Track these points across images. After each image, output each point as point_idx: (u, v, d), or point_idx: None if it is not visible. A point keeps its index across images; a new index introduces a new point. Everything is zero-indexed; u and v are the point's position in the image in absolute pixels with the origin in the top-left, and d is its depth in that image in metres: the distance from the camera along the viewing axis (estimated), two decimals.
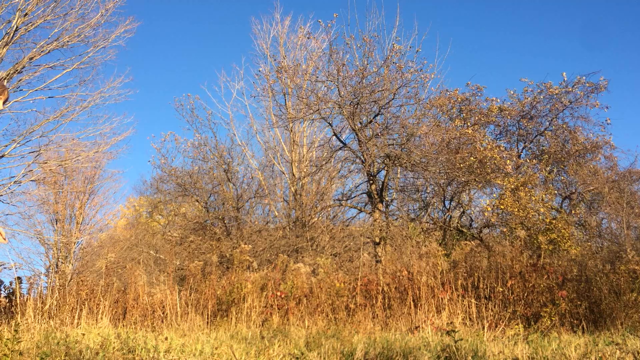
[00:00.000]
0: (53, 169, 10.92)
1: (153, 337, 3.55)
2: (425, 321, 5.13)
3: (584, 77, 11.13)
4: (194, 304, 5.97)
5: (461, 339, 3.15)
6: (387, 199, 11.56)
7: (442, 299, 5.52)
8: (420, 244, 7.21)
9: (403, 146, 10.11)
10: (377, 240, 9.71)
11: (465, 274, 5.78)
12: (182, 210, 13.23)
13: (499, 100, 11.80)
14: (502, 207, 9.40)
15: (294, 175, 13.61)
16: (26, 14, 9.61)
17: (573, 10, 33.50)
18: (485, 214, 10.31)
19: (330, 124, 10.89)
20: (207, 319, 5.72)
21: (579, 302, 5.24)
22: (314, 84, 10.88)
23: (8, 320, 5.29)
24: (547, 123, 11.78)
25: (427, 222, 10.96)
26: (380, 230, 9.70)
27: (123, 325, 5.70)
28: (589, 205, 11.55)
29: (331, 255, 10.02)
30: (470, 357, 2.94)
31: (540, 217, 9.42)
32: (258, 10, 34.68)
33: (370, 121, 10.45)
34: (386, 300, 5.83)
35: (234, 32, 34.99)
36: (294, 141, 14.03)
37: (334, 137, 11.15)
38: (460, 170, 9.70)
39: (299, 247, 10.73)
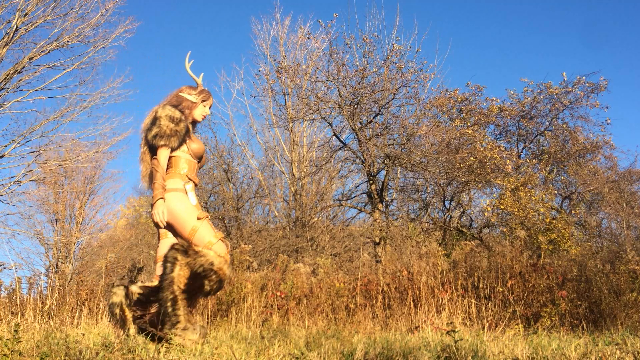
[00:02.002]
0: (53, 169, 10.93)
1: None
2: (425, 321, 5.13)
3: (584, 77, 11.13)
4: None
5: (461, 339, 3.14)
6: (387, 199, 11.56)
7: (442, 299, 5.52)
8: (420, 244, 7.19)
9: (403, 146, 10.12)
10: (377, 240, 9.71)
11: (465, 274, 5.77)
12: None
13: (499, 100, 11.80)
14: (502, 207, 9.40)
15: (294, 175, 13.61)
16: (26, 14, 9.62)
17: (573, 10, 33.48)
18: (485, 214, 10.31)
19: (330, 124, 10.90)
20: (207, 319, 5.71)
21: (579, 302, 5.24)
22: (314, 84, 10.89)
23: (8, 321, 5.29)
24: (547, 123, 11.78)
25: (427, 222, 10.96)
26: (380, 230, 9.70)
27: None
28: (589, 205, 11.55)
29: (331, 255, 10.01)
30: (470, 357, 2.94)
31: (540, 217, 9.42)
32: (258, 10, 34.63)
33: (370, 121, 10.45)
34: (386, 300, 5.83)
35: (234, 32, 34.94)
36: (294, 141, 14.04)
37: (334, 137, 11.15)
38: (460, 170, 9.70)
39: (299, 247, 10.72)
